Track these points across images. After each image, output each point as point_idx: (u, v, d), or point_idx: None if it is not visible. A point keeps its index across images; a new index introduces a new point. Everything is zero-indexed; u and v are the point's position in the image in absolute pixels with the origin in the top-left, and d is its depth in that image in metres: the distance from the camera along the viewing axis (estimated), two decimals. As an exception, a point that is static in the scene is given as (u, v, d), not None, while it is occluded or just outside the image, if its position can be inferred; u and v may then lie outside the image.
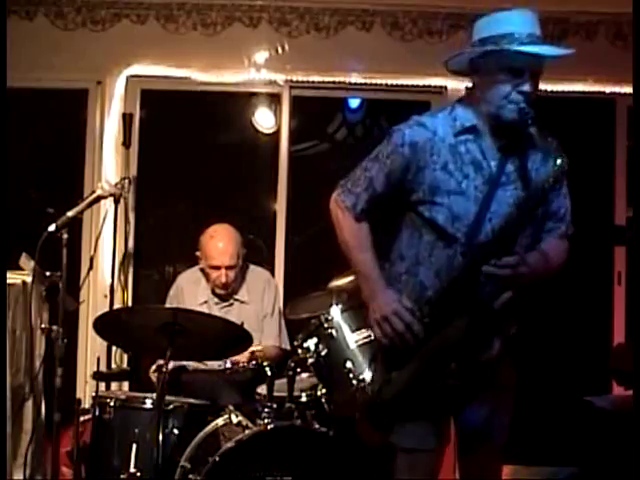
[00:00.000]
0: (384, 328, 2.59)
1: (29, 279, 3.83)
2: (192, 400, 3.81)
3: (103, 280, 4.93)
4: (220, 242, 4.25)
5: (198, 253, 4.32)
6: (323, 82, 5.10)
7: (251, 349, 3.76)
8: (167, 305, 4.33)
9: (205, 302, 4.30)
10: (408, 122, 2.67)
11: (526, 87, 2.53)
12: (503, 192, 2.58)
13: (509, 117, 2.55)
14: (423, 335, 2.53)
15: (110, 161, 5.05)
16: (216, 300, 4.32)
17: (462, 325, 2.51)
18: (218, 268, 4.22)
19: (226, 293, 4.29)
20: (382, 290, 2.66)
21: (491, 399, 2.71)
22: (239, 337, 3.54)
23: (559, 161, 2.49)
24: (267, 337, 4.27)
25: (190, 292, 4.34)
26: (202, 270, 4.35)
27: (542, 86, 4.90)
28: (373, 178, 2.67)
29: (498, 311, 2.56)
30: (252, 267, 4.43)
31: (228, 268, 4.22)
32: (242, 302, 4.32)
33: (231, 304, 4.32)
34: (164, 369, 3.37)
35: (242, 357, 3.76)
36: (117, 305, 4.74)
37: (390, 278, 2.69)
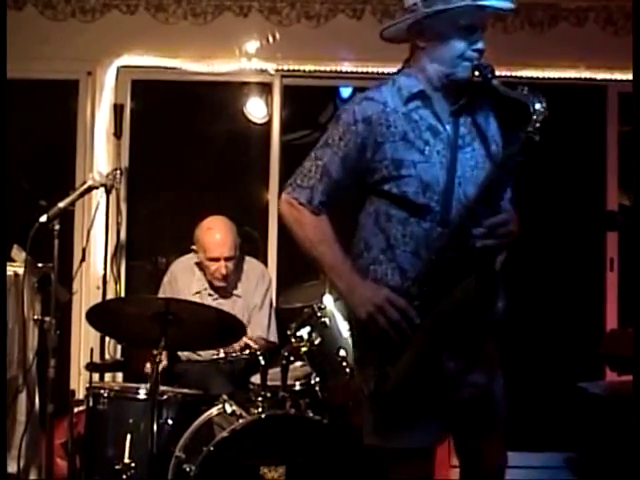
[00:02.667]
0: (379, 320, 2.38)
1: (21, 270, 3.83)
2: (186, 390, 3.83)
3: (95, 271, 4.92)
4: (218, 234, 4.24)
5: (194, 247, 4.30)
6: (314, 71, 5.08)
7: (244, 341, 3.77)
8: (161, 293, 4.34)
9: (198, 293, 4.29)
10: (353, 100, 2.55)
11: (480, 44, 2.47)
12: (463, 155, 2.49)
13: (465, 75, 2.47)
14: (418, 321, 2.37)
15: (101, 152, 5.03)
16: (210, 292, 4.30)
17: (470, 286, 2.34)
18: (217, 260, 4.20)
19: (225, 285, 4.26)
20: (360, 282, 2.46)
21: (487, 371, 2.58)
22: (232, 327, 3.54)
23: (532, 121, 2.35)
24: (254, 328, 4.25)
25: (184, 281, 4.34)
26: (197, 264, 4.33)
27: (532, 73, 4.92)
28: (327, 165, 2.49)
29: (497, 272, 2.47)
30: (248, 259, 4.42)
31: (227, 259, 4.21)
32: (237, 296, 4.31)
33: (225, 297, 4.30)
34: (157, 359, 3.37)
35: (235, 347, 3.76)
36: (110, 296, 4.72)
37: (357, 272, 2.49)
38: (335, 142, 2.51)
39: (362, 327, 2.47)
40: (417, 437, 2.50)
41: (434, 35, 2.49)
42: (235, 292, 4.31)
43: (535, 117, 2.36)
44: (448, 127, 2.51)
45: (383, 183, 2.48)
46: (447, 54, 2.48)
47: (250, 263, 4.42)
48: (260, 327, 4.28)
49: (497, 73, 2.48)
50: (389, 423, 2.51)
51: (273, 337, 4.33)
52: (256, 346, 3.78)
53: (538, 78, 4.89)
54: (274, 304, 4.45)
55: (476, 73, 2.46)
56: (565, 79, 4.97)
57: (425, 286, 2.40)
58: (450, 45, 2.47)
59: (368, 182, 2.51)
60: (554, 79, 4.93)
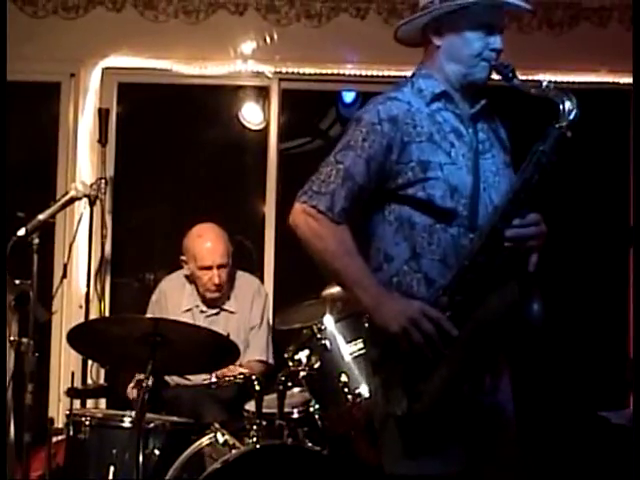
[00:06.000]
0: (414, 336, 2.36)
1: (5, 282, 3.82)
2: (174, 418, 3.82)
3: (78, 289, 4.92)
4: (208, 241, 4.26)
5: (183, 257, 4.31)
6: (315, 74, 5.11)
7: (237, 369, 3.78)
8: (149, 312, 4.35)
9: (189, 310, 4.31)
10: (376, 100, 2.57)
11: (498, 44, 2.55)
12: (485, 161, 2.57)
13: (482, 76, 2.55)
14: (455, 333, 2.36)
15: (85, 160, 5.05)
16: (202, 308, 4.32)
17: (511, 290, 2.37)
18: (209, 269, 4.22)
19: (218, 297, 4.28)
20: (389, 295, 2.45)
21: (504, 386, 2.62)
22: (225, 349, 3.54)
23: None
24: (253, 351, 4.26)
25: (173, 299, 4.35)
26: (187, 277, 4.34)
27: (550, 77, 4.92)
28: (349, 168, 2.49)
29: (532, 274, 2.48)
30: (240, 273, 4.43)
31: (220, 267, 4.22)
32: (230, 312, 4.32)
33: (217, 313, 4.32)
34: (144, 384, 3.36)
35: (228, 371, 3.76)
36: (93, 316, 4.73)
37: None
38: (358, 144, 2.51)
39: (390, 344, 2.45)
40: (450, 461, 2.48)
41: (452, 33, 2.56)
42: (228, 308, 4.32)
43: (565, 114, 2.44)
44: (470, 131, 2.59)
45: (408, 187, 2.49)
46: (464, 53, 2.55)
47: (244, 277, 4.43)
48: (259, 349, 4.31)
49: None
50: (421, 448, 2.48)
51: (271, 359, 4.34)
52: (246, 371, 3.80)
53: (556, 82, 4.88)
54: (270, 322, 4.45)
55: (495, 75, 2.54)
56: (586, 83, 4.99)
57: (458, 295, 2.41)
58: (468, 44, 2.54)
59: (390, 187, 2.52)
60: (574, 83, 4.93)
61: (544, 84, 2.51)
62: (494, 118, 2.69)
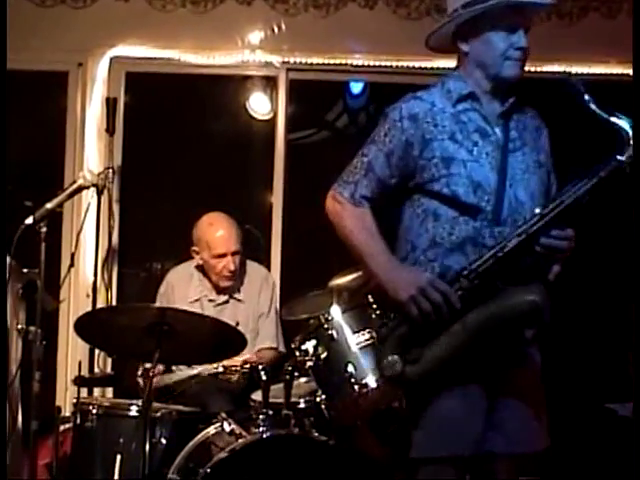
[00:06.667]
0: (422, 304, 2.52)
1: (5, 276, 3.84)
2: (181, 407, 3.83)
3: (85, 278, 4.93)
4: (220, 229, 4.27)
5: (195, 248, 4.32)
6: (323, 64, 5.10)
7: (243, 358, 3.78)
8: (157, 304, 4.34)
9: (197, 300, 4.32)
10: (404, 98, 2.74)
11: (522, 42, 2.67)
12: (514, 159, 2.69)
13: (510, 74, 2.66)
14: (459, 306, 2.51)
15: (92, 149, 5.05)
16: (210, 297, 4.33)
17: (542, 294, 2.49)
18: (224, 256, 4.23)
19: (231, 285, 4.29)
20: (401, 266, 2.65)
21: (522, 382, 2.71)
22: (232, 339, 3.55)
23: None
24: (263, 339, 4.28)
25: (181, 290, 4.35)
26: (199, 267, 4.35)
27: (558, 68, 4.91)
28: (371, 161, 2.70)
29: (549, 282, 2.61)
30: (249, 262, 4.45)
31: (234, 254, 4.24)
32: (238, 300, 4.33)
33: (227, 302, 4.33)
34: (151, 373, 3.37)
35: (235, 361, 3.77)
36: (100, 305, 4.74)
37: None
38: (380, 138, 2.71)
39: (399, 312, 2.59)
40: (450, 442, 2.60)
41: (476, 38, 2.70)
42: (237, 296, 4.34)
43: (628, 146, 2.55)
44: (497, 130, 2.70)
45: (432, 182, 2.65)
46: (489, 55, 2.68)
47: (252, 266, 4.45)
48: (269, 337, 4.33)
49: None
50: (434, 430, 2.62)
51: (282, 346, 4.36)
52: (254, 358, 3.81)
53: (564, 74, 4.89)
54: (278, 310, 4.46)
55: (517, 72, 2.67)
56: (595, 75, 4.98)
57: (477, 279, 2.53)
58: (491, 46, 2.67)
59: (418, 181, 2.68)
60: (582, 75, 4.93)
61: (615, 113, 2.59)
62: (534, 119, 2.80)
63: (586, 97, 2.59)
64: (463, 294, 2.53)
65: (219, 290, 4.32)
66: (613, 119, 2.58)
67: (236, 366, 3.77)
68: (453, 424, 2.59)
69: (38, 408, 3.57)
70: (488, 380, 2.62)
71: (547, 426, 2.80)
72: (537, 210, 2.58)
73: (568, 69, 4.91)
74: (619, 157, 2.55)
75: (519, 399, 2.69)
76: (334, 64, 5.11)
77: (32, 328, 3.67)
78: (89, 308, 4.58)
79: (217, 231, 4.26)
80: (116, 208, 5.02)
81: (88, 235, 4.84)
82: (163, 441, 3.63)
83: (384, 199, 2.74)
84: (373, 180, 2.70)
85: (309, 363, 3.52)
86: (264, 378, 3.55)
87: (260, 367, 3.60)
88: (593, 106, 2.59)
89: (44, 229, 3.57)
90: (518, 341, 2.66)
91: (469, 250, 2.60)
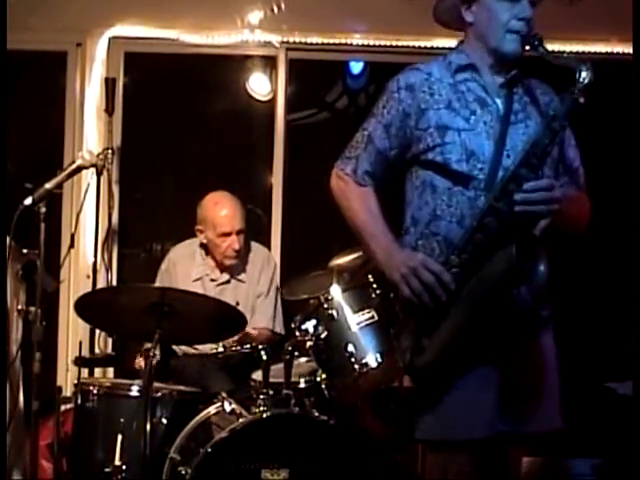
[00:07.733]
0: (412, 283, 2.51)
1: (5, 257, 3.84)
2: (182, 387, 3.84)
3: (85, 259, 4.93)
4: (225, 208, 4.28)
5: (199, 227, 4.31)
6: (323, 44, 5.08)
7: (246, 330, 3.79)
8: (158, 281, 4.36)
9: (199, 279, 4.32)
10: (402, 71, 2.75)
11: (526, 13, 2.63)
12: (515, 130, 2.64)
13: (511, 48, 2.63)
14: (454, 287, 2.49)
15: (92, 130, 5.05)
16: (212, 277, 4.33)
17: (511, 253, 2.43)
18: (229, 235, 4.23)
19: (236, 263, 4.29)
20: (398, 249, 2.63)
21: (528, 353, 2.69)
22: (233, 319, 3.56)
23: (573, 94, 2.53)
24: (259, 318, 4.28)
25: (183, 268, 4.36)
26: (202, 246, 4.35)
27: (558, 47, 4.88)
28: (371, 134, 2.70)
29: (538, 238, 2.56)
30: (253, 244, 4.45)
31: (239, 233, 4.25)
32: (240, 280, 4.34)
33: (228, 281, 4.33)
34: (152, 353, 3.39)
35: (233, 340, 3.78)
36: (100, 285, 4.74)
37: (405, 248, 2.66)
38: (379, 110, 2.71)
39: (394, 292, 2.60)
40: (463, 426, 2.57)
41: (480, 7, 2.67)
42: (239, 277, 4.34)
43: (581, 80, 2.52)
44: (498, 101, 2.67)
45: (427, 152, 2.63)
46: (492, 25, 2.65)
47: (254, 247, 4.45)
48: (265, 317, 4.32)
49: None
50: (447, 414, 2.58)
51: (279, 328, 4.36)
52: (255, 332, 3.80)
53: (565, 52, 4.87)
54: (278, 292, 4.47)
55: (527, 47, 2.62)
56: (596, 54, 4.96)
57: (465, 254, 2.52)
58: (495, 15, 2.64)
59: (414, 152, 2.67)
60: (583, 54, 4.91)
61: (565, 54, 2.66)
62: (546, 94, 2.74)
63: (536, 44, 2.60)
64: (457, 273, 2.50)
65: (222, 269, 4.32)
66: (562, 60, 2.60)
67: (236, 345, 3.77)
68: (466, 407, 2.56)
69: (39, 388, 3.57)
70: (500, 360, 2.59)
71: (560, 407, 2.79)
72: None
73: (568, 48, 4.88)
74: (570, 91, 2.53)
75: (532, 379, 2.69)
76: (334, 44, 5.08)
77: (32, 309, 3.66)
78: (89, 289, 4.58)
79: (222, 210, 4.27)
80: (116, 188, 5.01)
81: (88, 216, 4.83)
82: (164, 421, 3.65)
83: (388, 174, 2.73)
84: (373, 153, 2.70)
85: (309, 343, 3.55)
86: (264, 358, 3.56)
87: (260, 347, 3.61)
88: (542, 49, 2.59)
89: (43, 209, 3.56)
90: (529, 320, 2.65)
91: (467, 223, 2.56)
